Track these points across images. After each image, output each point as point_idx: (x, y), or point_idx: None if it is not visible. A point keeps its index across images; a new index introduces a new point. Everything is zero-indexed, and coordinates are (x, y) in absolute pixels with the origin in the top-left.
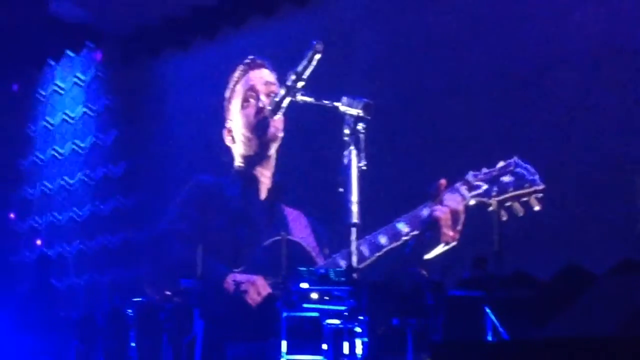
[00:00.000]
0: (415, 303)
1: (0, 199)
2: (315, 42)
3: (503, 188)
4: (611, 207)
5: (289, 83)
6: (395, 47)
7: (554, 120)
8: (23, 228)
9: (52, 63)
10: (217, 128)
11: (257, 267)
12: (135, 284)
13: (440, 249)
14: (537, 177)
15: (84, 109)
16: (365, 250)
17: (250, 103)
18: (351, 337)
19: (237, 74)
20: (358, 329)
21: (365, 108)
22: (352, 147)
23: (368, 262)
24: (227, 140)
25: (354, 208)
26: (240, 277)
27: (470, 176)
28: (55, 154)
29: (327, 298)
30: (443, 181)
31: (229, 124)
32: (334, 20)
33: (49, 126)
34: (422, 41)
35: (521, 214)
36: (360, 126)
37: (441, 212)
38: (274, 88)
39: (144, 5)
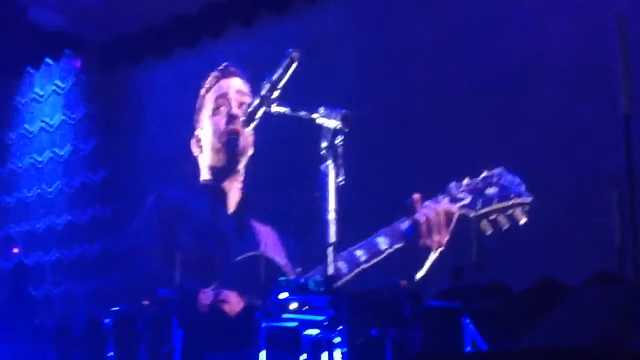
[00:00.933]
0: (394, 313)
1: None
2: (291, 51)
3: (488, 200)
4: (587, 220)
5: (263, 92)
6: (375, 58)
7: (530, 133)
8: (0, 236)
9: (31, 71)
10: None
11: (229, 284)
12: (112, 294)
13: (431, 259)
14: (523, 188)
15: (63, 117)
16: (343, 266)
17: (220, 111)
18: (330, 347)
19: (209, 81)
20: (337, 339)
21: (343, 119)
22: (329, 161)
23: (347, 278)
24: (195, 150)
25: (332, 225)
26: (213, 294)
27: (452, 187)
28: (34, 161)
29: (306, 308)
30: (417, 195)
31: (197, 133)
32: (314, 30)
33: (27, 134)
34: (402, 52)
35: (506, 227)
36: (338, 139)
37: (421, 217)
38: (246, 98)
39: (123, 13)
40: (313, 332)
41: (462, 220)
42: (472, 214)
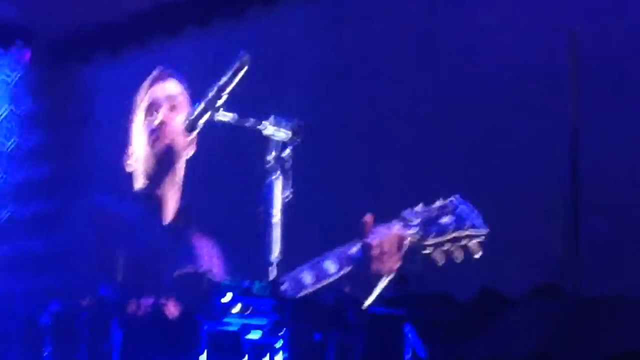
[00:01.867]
0: (337, 318)
1: None
2: (241, 54)
3: (442, 229)
4: (530, 231)
5: (209, 97)
6: (331, 68)
7: (473, 145)
8: None
9: None
10: None
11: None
12: (50, 293)
13: (382, 284)
14: (480, 220)
15: (11, 107)
16: (287, 288)
17: (151, 120)
18: (272, 352)
19: (142, 92)
20: (279, 343)
21: (294, 129)
22: (276, 175)
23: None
24: (128, 167)
25: (276, 243)
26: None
27: (406, 213)
28: None
29: (249, 312)
30: (369, 217)
31: (130, 149)
32: (269, 35)
33: None
34: (359, 64)
35: (460, 260)
36: (287, 152)
37: (373, 241)
38: (180, 100)
39: (77, 8)
40: (255, 335)
41: (413, 248)
42: (424, 242)
